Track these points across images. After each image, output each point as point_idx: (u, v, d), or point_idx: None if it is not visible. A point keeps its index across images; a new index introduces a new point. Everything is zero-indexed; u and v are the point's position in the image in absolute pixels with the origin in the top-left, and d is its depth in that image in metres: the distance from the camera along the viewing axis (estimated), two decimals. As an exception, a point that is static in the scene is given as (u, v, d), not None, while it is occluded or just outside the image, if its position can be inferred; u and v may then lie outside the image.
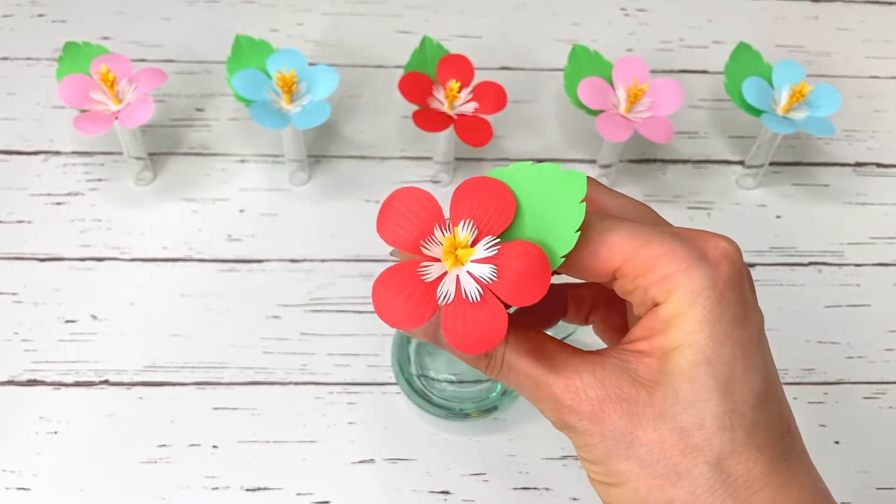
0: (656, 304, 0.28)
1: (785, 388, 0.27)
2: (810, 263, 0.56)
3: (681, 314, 0.27)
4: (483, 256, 0.27)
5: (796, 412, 0.29)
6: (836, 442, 0.50)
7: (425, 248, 0.28)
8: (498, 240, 0.27)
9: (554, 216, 0.28)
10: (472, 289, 0.27)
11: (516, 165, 0.28)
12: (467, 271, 0.27)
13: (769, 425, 0.27)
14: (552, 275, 0.27)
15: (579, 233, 0.27)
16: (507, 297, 0.27)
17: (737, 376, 0.27)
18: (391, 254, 0.31)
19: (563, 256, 0.27)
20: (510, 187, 0.28)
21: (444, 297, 0.27)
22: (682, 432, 0.26)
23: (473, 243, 0.28)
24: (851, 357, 0.52)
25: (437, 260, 0.28)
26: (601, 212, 0.30)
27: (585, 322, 0.35)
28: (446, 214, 0.28)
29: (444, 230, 0.28)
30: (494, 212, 0.28)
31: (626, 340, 0.29)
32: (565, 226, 0.27)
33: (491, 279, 0.27)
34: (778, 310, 0.54)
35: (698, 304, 0.27)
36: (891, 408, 0.51)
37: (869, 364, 0.52)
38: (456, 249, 0.28)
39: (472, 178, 0.28)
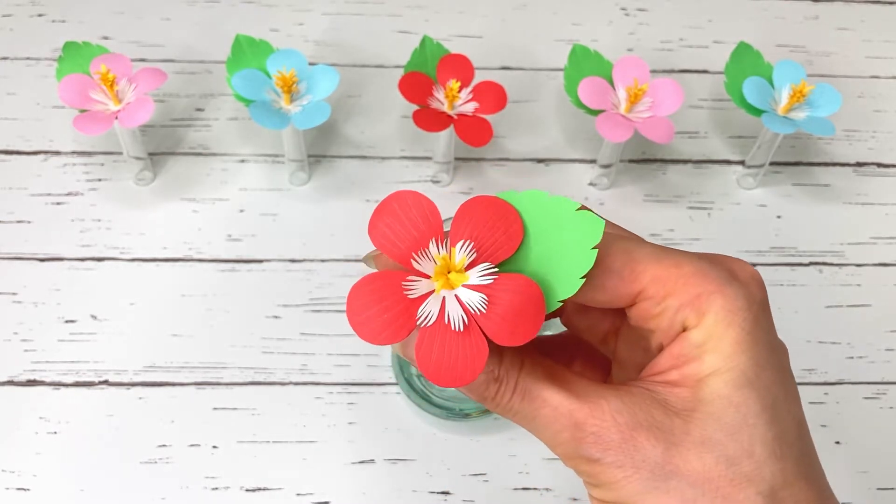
0: (684, 329, 0.26)
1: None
2: (811, 263, 0.56)
3: (717, 336, 0.25)
4: (476, 283, 0.25)
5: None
6: (837, 442, 0.50)
7: (416, 261, 0.25)
8: (496, 269, 0.25)
9: (561, 256, 0.25)
10: (457, 315, 0.24)
11: (531, 193, 0.26)
12: (456, 296, 0.25)
13: (811, 459, 0.26)
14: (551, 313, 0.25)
15: (584, 279, 0.25)
16: (492, 332, 0.24)
17: (779, 403, 0.25)
18: (365, 259, 0.28)
19: (560, 301, 0.25)
20: (520, 214, 0.25)
21: (426, 318, 0.25)
22: (730, 461, 0.24)
23: (469, 267, 0.25)
24: (852, 357, 0.52)
25: (426, 276, 0.25)
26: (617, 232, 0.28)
27: None
28: (447, 228, 0.26)
29: (440, 246, 0.25)
30: (499, 238, 0.25)
31: (650, 372, 0.26)
32: (571, 269, 0.25)
33: (479, 310, 0.25)
34: (778, 310, 0.53)
35: (735, 325, 0.25)
36: (891, 408, 0.51)
37: (869, 364, 0.52)
38: (449, 272, 0.25)
39: (481, 197, 0.26)
